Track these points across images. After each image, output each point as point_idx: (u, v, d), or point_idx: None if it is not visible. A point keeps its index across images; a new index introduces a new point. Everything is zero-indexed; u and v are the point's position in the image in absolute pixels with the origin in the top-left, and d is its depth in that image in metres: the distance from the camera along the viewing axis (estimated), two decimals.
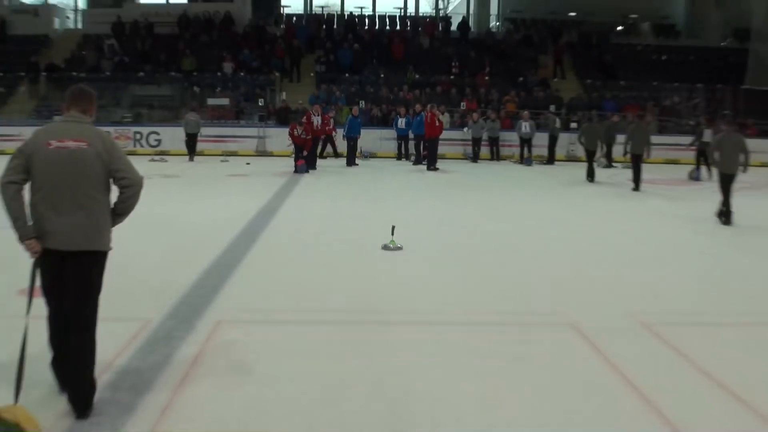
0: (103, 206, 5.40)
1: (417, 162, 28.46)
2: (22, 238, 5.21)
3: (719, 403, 5.91)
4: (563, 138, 29.37)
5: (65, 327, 5.37)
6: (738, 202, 15.24)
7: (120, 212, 5.51)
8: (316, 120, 25.92)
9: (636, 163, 21.10)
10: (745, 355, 7.12)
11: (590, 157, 23.71)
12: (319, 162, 26.25)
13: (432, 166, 26.47)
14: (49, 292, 5.42)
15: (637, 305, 8.79)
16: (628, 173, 22.01)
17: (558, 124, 30.51)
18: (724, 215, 15.00)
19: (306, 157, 24.77)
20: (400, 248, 10.59)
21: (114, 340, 5.86)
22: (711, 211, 15.39)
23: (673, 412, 5.62)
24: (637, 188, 20.86)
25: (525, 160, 29.78)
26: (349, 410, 5.67)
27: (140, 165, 5.87)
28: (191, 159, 28.26)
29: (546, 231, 14.37)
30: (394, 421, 5.45)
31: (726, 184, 15.01)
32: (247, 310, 8.35)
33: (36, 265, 5.30)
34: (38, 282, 5.36)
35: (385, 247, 9.97)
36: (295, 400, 5.80)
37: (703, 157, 21.86)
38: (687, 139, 27.46)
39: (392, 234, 10.34)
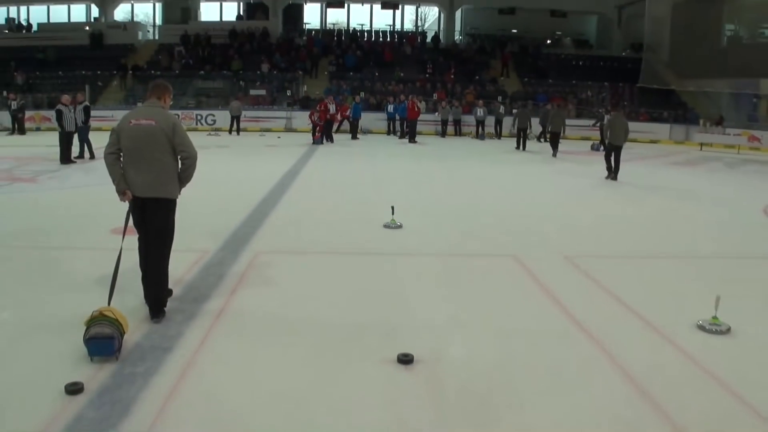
0: (167, 166, 5.42)
1: (401, 137, 28.66)
2: (118, 191, 5.44)
3: (611, 305, 5.93)
4: (507, 120, 29.58)
5: (147, 253, 5.54)
6: (629, 168, 15.49)
7: (182, 179, 5.57)
8: (332, 107, 25.81)
9: (554, 138, 22.16)
10: (639, 279, 7.14)
11: (520, 133, 24.28)
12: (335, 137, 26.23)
13: (412, 140, 26.67)
14: (137, 227, 5.54)
15: (561, 243, 8.84)
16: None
17: (502, 109, 30.75)
18: (614, 173, 15.57)
19: (325, 133, 24.99)
20: (399, 227, 9.10)
21: (181, 264, 5.91)
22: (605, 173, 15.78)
23: (579, 312, 5.66)
24: (554, 155, 21.54)
25: (479, 135, 30.12)
26: (356, 318, 5.69)
27: (200, 139, 5.82)
28: (237, 134, 28.49)
29: (492, 185, 14.96)
30: (390, 328, 5.45)
31: (613, 151, 15.56)
32: (278, 244, 8.34)
33: (129, 209, 5.49)
34: (131, 222, 5.50)
35: (386, 226, 8.69)
36: (315, 309, 5.83)
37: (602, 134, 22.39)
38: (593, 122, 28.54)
39: (392, 214, 8.78)
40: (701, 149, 26.87)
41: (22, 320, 5.40)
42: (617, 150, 15.47)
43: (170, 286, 5.81)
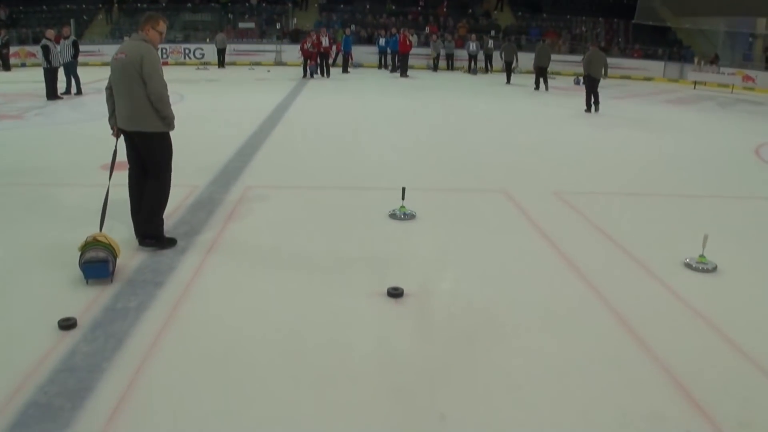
0: (142, 100, 5.32)
1: (393, 71, 28.65)
2: (110, 123, 5.61)
3: (599, 243, 5.97)
4: (496, 54, 29.20)
5: (139, 187, 5.60)
6: (621, 104, 15.52)
7: (158, 115, 5.42)
8: (325, 40, 25.39)
9: (540, 72, 22.41)
10: (627, 216, 7.18)
11: (508, 68, 24.72)
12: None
13: (404, 74, 26.51)
14: (127, 159, 5.58)
15: (549, 178, 8.82)
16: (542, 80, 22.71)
17: (491, 44, 30.48)
18: (595, 105, 16.27)
19: (320, 68, 24.97)
20: (413, 216, 6.95)
21: (172, 200, 5.82)
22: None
23: (568, 249, 5.70)
24: (537, 89, 22.14)
25: (471, 70, 30.08)
26: (346, 251, 5.72)
27: (189, 73, 5.81)
28: (222, 67, 28.57)
29: (481, 118, 14.93)
30: (380, 261, 5.47)
31: (592, 84, 16.25)
32: (267, 179, 8.29)
33: (116, 144, 5.60)
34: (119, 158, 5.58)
35: (393, 215, 6.81)
36: (306, 243, 5.85)
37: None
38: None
39: (402, 198, 6.82)
40: (695, 88, 26.80)
41: (14, 256, 5.41)
42: (596, 83, 16.13)
43: (174, 218, 6.01)
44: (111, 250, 4.88)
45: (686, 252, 5.64)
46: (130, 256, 5.31)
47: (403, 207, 6.66)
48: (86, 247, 4.82)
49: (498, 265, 5.61)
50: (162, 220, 5.63)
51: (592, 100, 16.19)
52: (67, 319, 4.18)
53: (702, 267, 5.42)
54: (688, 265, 5.48)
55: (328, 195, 7.56)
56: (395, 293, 4.81)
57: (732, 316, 4.67)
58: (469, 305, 4.82)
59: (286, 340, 4.22)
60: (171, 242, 5.63)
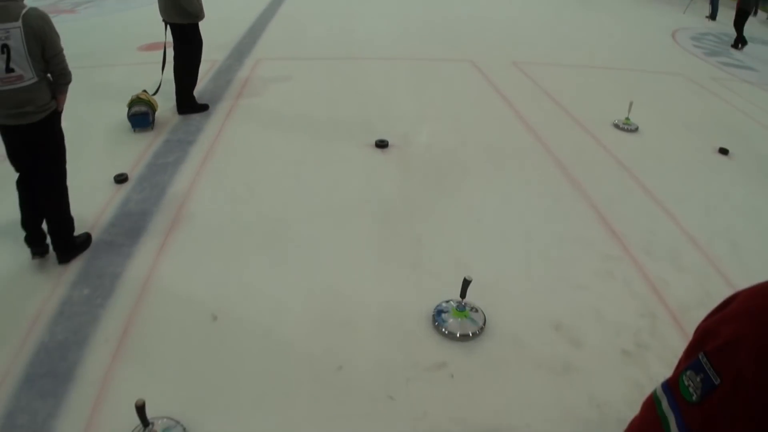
0: None
1: None
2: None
3: (546, 103, 5.94)
4: None
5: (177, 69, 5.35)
6: None
7: (181, 8, 5.01)
8: None
9: None
10: (570, 84, 7.06)
11: None
12: None
13: None
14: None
15: (509, 51, 8.53)
16: None
17: None
18: None
19: None
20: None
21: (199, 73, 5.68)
22: None
23: (521, 107, 5.67)
24: None
25: None
26: (342, 113, 5.63)
27: None
28: None
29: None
30: (369, 120, 5.42)
31: None
32: (275, 52, 7.94)
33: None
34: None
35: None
36: (308, 106, 5.77)
37: None
38: None
39: (463, 297, 3.21)
40: None
41: (77, 127, 5.28)
42: None
43: (199, 88, 5.63)
44: (150, 105, 5.06)
45: (615, 115, 5.63)
46: (166, 121, 5.24)
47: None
48: (132, 103, 4.98)
49: (463, 119, 5.60)
50: (192, 89, 5.47)
51: None
52: (120, 175, 4.20)
53: (627, 127, 5.43)
54: (616, 125, 5.49)
55: (326, 66, 7.32)
56: (381, 144, 4.86)
57: (646, 166, 4.76)
58: (441, 153, 4.88)
59: (294, 180, 4.31)
60: (203, 107, 5.53)
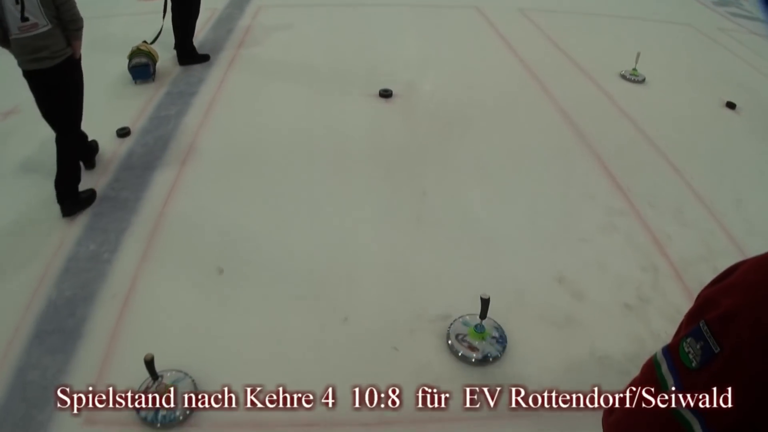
0: None
1: None
2: None
3: (552, 52, 5.77)
4: None
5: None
6: None
7: None
8: None
9: None
10: (577, 32, 6.82)
11: None
12: None
13: None
14: None
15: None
16: None
17: None
18: None
19: None
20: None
21: (198, 22, 5.47)
22: None
23: (527, 56, 5.52)
24: None
25: None
26: (345, 61, 5.47)
27: None
28: None
29: None
30: (373, 68, 5.26)
31: None
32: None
33: None
34: None
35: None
36: (310, 55, 5.60)
37: None
38: None
39: (482, 318, 2.83)
40: None
41: None
42: None
43: (199, 38, 5.42)
44: (151, 56, 4.90)
45: (622, 65, 5.47)
46: (167, 73, 5.11)
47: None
48: (132, 55, 4.84)
49: (468, 68, 5.44)
50: (191, 39, 5.31)
51: None
52: (123, 128, 4.11)
53: (634, 78, 5.28)
54: (623, 76, 5.34)
55: (327, 12, 7.08)
56: (385, 94, 4.75)
57: (652, 119, 4.64)
58: (446, 102, 4.77)
59: (297, 132, 4.22)
60: (204, 58, 5.37)
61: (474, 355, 2.53)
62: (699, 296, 1.02)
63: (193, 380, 2.37)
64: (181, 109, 4.51)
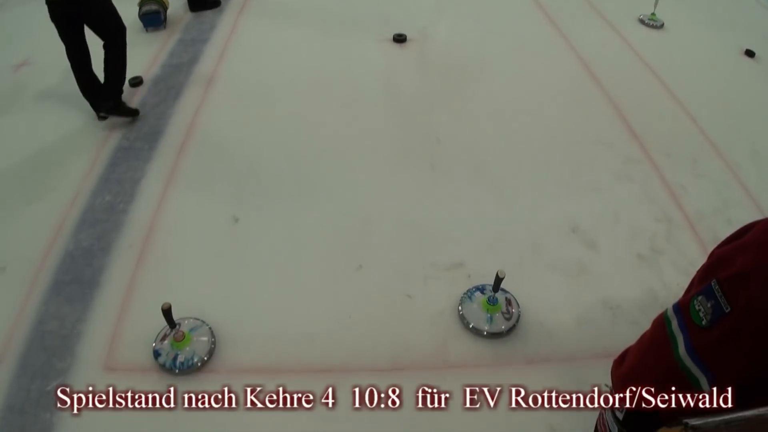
0: None
1: None
2: None
3: (574, 3, 5.50)
4: None
5: None
6: None
7: None
8: None
9: None
10: None
11: None
12: None
13: None
14: None
15: None
16: None
17: None
18: None
19: None
20: None
21: None
22: None
23: (545, 3, 5.29)
24: None
25: None
26: (356, 6, 5.18)
27: None
28: None
29: None
30: (386, 14, 5.01)
31: None
32: None
33: None
34: None
35: None
36: (321, 1, 5.40)
37: None
38: None
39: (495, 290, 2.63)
40: None
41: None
42: None
43: None
44: (162, 3, 4.73)
45: (641, 9, 5.22)
46: (178, 20, 4.95)
47: None
48: (142, 2, 4.65)
49: (485, 13, 5.21)
50: None
51: None
52: (135, 78, 4.00)
53: (652, 23, 5.04)
54: (641, 21, 5.10)
55: None
56: (400, 39, 4.59)
57: (670, 66, 4.45)
58: (460, 48, 4.58)
59: (310, 78, 4.09)
60: (216, 3, 5.19)
61: (486, 328, 2.44)
62: (712, 254, 1.03)
63: (210, 328, 2.37)
64: (193, 56, 4.38)
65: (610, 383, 1.23)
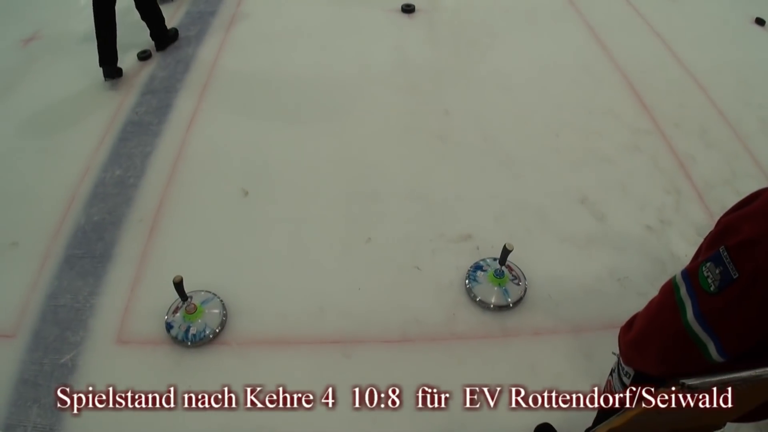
0: None
1: None
2: None
3: None
4: None
5: None
6: None
7: None
8: None
9: None
10: None
11: None
12: None
13: None
14: None
15: None
16: None
17: None
18: None
19: None
20: None
21: None
22: None
23: None
24: None
25: None
26: None
27: None
28: None
29: None
30: None
31: None
32: None
33: None
34: None
35: None
36: None
37: None
38: None
39: (502, 263, 2.53)
40: None
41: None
42: None
43: None
44: None
45: None
46: None
47: None
48: None
49: None
50: None
51: None
52: (144, 51, 3.89)
53: None
54: None
55: None
56: (408, 9, 4.44)
57: (680, 35, 4.28)
58: (469, 17, 4.42)
59: (318, 51, 3.96)
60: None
61: (493, 300, 2.39)
62: (719, 222, 1.01)
63: (221, 300, 2.34)
64: (201, 29, 4.26)
65: (617, 351, 1.22)
